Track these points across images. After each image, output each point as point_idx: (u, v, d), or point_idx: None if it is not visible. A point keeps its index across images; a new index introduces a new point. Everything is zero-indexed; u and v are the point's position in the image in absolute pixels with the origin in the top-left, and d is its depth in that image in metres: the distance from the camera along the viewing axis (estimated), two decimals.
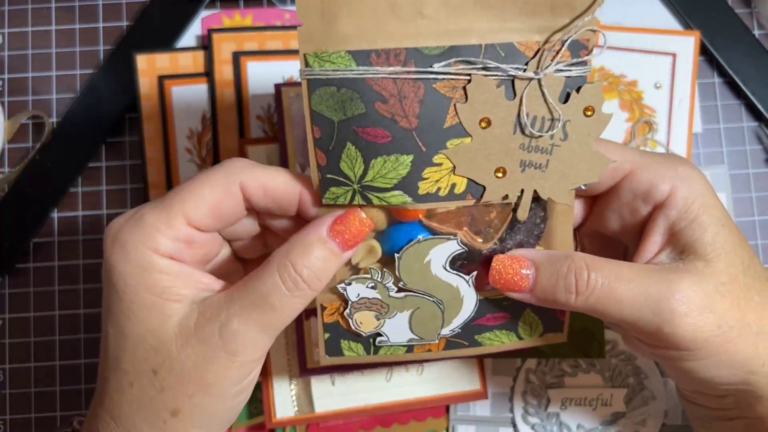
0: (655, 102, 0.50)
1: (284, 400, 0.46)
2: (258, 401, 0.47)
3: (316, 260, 0.30)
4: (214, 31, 0.50)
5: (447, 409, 0.47)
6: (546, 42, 0.31)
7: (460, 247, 0.34)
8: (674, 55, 0.50)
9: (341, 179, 0.32)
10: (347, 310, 0.35)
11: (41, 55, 0.52)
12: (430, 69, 0.30)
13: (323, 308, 0.35)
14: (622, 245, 0.37)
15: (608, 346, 0.47)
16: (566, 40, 0.30)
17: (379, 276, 0.34)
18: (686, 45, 0.50)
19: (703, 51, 0.52)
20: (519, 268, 0.33)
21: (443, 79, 0.30)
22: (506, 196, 0.33)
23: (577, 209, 0.36)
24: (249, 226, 0.34)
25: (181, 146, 0.49)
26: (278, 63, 0.50)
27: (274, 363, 0.46)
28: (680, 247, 0.32)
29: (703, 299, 0.30)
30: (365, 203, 0.32)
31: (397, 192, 0.32)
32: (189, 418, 0.29)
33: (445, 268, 0.34)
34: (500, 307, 0.36)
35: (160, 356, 0.29)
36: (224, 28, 0.50)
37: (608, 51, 0.51)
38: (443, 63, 0.30)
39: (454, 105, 0.31)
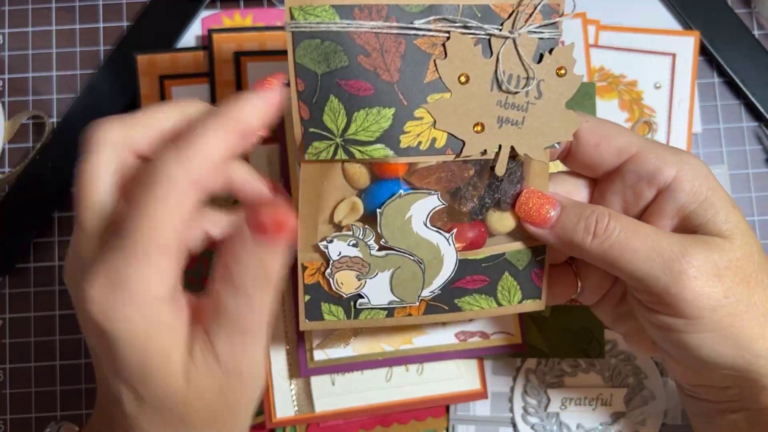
0: (654, 102, 0.50)
1: (284, 399, 0.46)
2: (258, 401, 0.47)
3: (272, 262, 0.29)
4: (214, 31, 0.50)
5: (447, 408, 0.47)
6: (519, 4, 0.32)
7: (440, 203, 0.34)
8: (674, 55, 0.51)
9: (324, 133, 0.32)
10: (328, 270, 0.35)
11: (41, 55, 0.52)
12: (411, 25, 0.32)
13: (304, 268, 0.35)
14: None
15: (608, 346, 0.47)
16: (538, 4, 0.32)
17: (361, 233, 0.34)
18: (686, 45, 0.51)
19: (703, 51, 0.52)
20: (545, 203, 0.34)
21: (423, 35, 0.32)
22: (485, 151, 0.34)
23: (582, 194, 0.37)
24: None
25: None
26: (279, 63, 0.50)
27: (274, 362, 0.46)
28: (692, 228, 0.32)
29: (714, 268, 0.31)
30: (348, 157, 0.33)
31: (379, 145, 0.33)
32: None
33: (425, 225, 0.35)
34: (479, 269, 0.36)
35: (182, 412, 0.28)
36: (224, 28, 0.50)
37: (608, 51, 0.51)
38: (423, 20, 0.32)
39: (434, 61, 0.32)
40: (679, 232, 0.33)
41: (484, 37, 0.33)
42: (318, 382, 0.46)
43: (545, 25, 0.33)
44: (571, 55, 0.33)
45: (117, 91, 0.50)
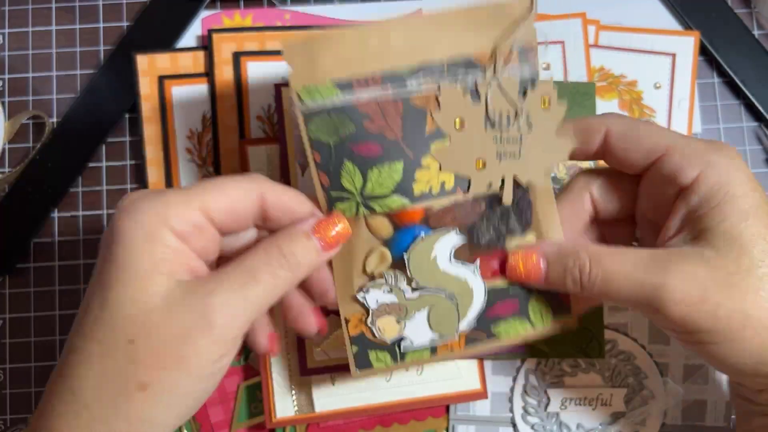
0: (654, 102, 0.50)
1: (284, 399, 0.46)
2: (258, 401, 0.47)
3: (298, 247, 0.33)
4: (214, 31, 0.50)
5: (447, 409, 0.48)
6: (494, 51, 0.36)
7: (459, 238, 0.37)
8: (674, 55, 0.51)
9: (345, 194, 0.36)
10: (369, 318, 0.37)
11: (41, 55, 0.52)
12: (404, 87, 0.35)
13: (347, 321, 0.38)
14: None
15: (608, 345, 0.47)
16: (512, 46, 0.36)
17: (393, 279, 0.37)
18: (686, 45, 0.51)
19: (703, 51, 0.52)
20: (532, 262, 0.36)
21: (417, 93, 0.35)
22: (490, 185, 0.37)
23: (583, 217, 0.38)
24: (246, 241, 0.36)
25: (182, 146, 0.49)
26: (278, 63, 0.50)
27: (275, 363, 0.46)
28: (695, 233, 0.33)
29: (699, 286, 0.31)
30: (369, 212, 0.36)
31: (395, 196, 0.36)
32: (156, 394, 0.29)
33: (450, 261, 0.37)
34: (508, 294, 0.38)
35: (141, 326, 0.29)
36: (224, 28, 0.51)
37: (608, 51, 0.51)
38: (415, 80, 0.35)
39: (430, 113, 0.36)
40: (684, 233, 0.33)
41: (470, 86, 0.36)
42: (318, 382, 0.46)
43: (523, 63, 0.36)
44: (551, 86, 0.36)
45: (117, 91, 0.50)
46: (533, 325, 0.39)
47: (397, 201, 0.36)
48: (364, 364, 0.38)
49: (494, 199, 0.37)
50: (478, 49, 0.36)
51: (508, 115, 0.36)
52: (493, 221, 0.38)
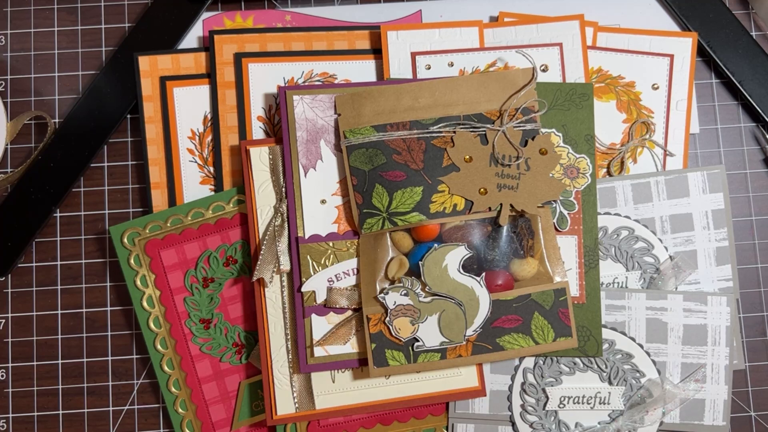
0: (652, 103, 0.51)
1: (285, 396, 0.46)
2: (259, 399, 0.48)
3: None
4: (215, 32, 0.50)
5: (446, 407, 0.48)
6: (502, 110, 0.45)
7: (468, 252, 0.44)
8: (672, 56, 0.51)
9: (374, 211, 0.44)
10: (387, 318, 0.43)
11: (43, 56, 0.52)
12: (427, 131, 0.45)
13: (368, 319, 0.44)
14: None
15: (605, 344, 0.47)
16: (519, 107, 0.45)
17: (410, 284, 0.43)
18: (684, 46, 0.51)
19: (701, 52, 0.52)
20: None
21: (437, 137, 0.45)
22: (489, 209, 0.44)
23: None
24: None
25: (183, 147, 0.50)
26: (280, 64, 0.50)
27: (275, 360, 0.46)
28: None
29: None
30: (393, 226, 0.44)
31: (414, 213, 0.44)
32: None
33: (459, 271, 0.44)
34: (511, 309, 0.44)
35: None
36: (225, 29, 0.51)
37: (606, 52, 0.51)
38: (436, 126, 0.45)
39: (446, 151, 0.45)
40: None
41: (481, 131, 0.45)
42: (318, 379, 0.46)
43: (525, 121, 0.45)
44: (550, 140, 0.45)
45: (119, 91, 0.51)
46: (536, 342, 0.44)
47: (416, 217, 0.44)
48: (381, 362, 0.43)
49: (498, 223, 0.44)
50: (488, 108, 0.45)
51: (510, 157, 0.45)
52: (498, 242, 0.45)
